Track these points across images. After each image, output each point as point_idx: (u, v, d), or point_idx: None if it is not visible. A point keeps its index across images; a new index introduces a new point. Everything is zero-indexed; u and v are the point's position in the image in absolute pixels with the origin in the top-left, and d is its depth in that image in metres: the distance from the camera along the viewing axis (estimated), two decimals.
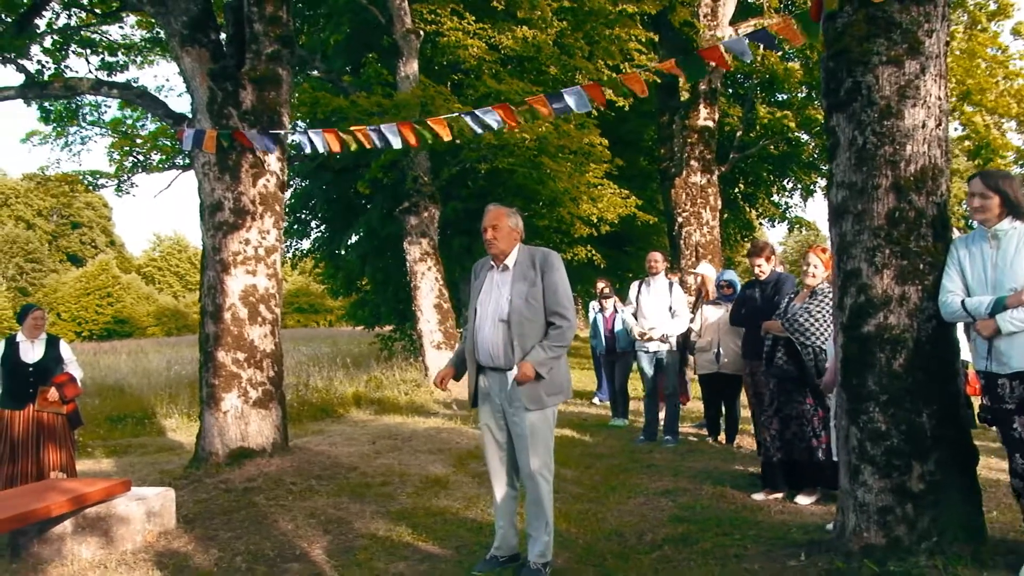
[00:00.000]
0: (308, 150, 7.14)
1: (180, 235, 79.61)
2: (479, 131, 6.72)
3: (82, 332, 55.94)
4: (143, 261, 76.12)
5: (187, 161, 15.46)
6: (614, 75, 12.01)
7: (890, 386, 3.97)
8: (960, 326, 4.17)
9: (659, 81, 15.67)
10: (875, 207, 4.03)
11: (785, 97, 19.88)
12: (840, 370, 4.23)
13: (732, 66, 7.52)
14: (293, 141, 7.75)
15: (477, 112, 6.75)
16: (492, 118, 6.59)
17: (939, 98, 4.06)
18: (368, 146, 6.87)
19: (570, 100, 6.16)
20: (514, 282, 4.41)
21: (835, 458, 5.39)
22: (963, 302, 3.83)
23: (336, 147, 6.99)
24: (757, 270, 6.82)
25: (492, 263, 4.58)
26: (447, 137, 6.77)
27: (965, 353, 4.24)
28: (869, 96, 4.05)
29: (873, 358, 4.01)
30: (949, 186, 4.14)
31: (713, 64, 5.83)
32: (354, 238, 20.11)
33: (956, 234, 4.25)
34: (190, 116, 7.74)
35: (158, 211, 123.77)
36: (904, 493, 3.92)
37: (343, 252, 20.75)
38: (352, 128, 6.95)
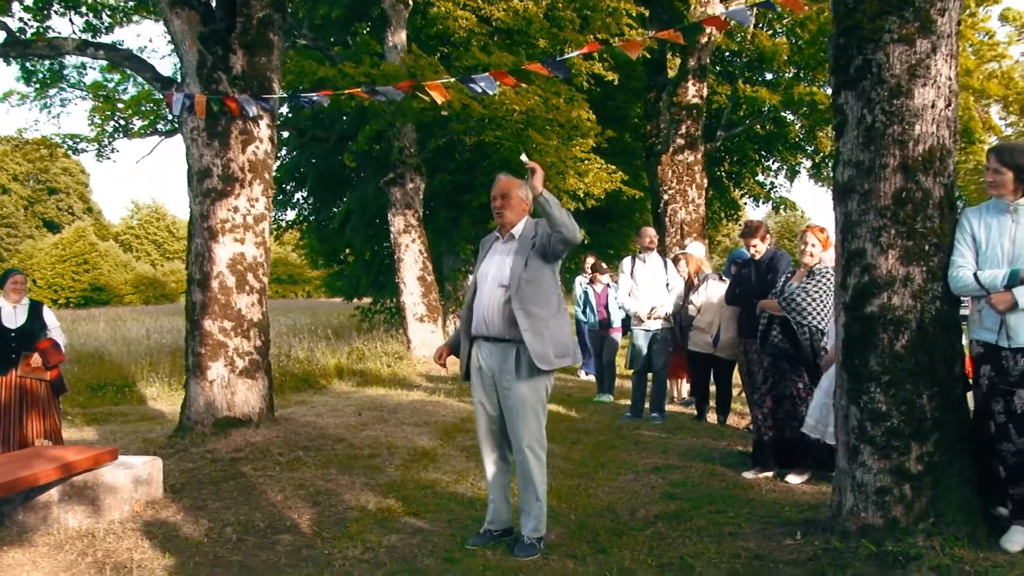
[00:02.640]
0: (307, 106, 7.05)
1: (159, 203, 78.75)
2: (479, 91, 6.62)
3: (58, 299, 55.23)
4: (121, 229, 75.16)
5: (169, 127, 15.24)
6: (613, 40, 11.87)
7: (892, 367, 3.95)
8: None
9: (648, 56, 15.66)
10: (882, 187, 4.00)
11: (772, 77, 19.83)
12: (840, 350, 4.22)
13: (729, 24, 7.45)
14: (281, 111, 7.64)
15: (475, 78, 6.66)
16: (488, 83, 6.51)
17: (949, 78, 4.01)
18: (365, 99, 6.77)
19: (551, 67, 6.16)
20: (518, 252, 4.36)
21: (828, 439, 5.42)
22: (976, 275, 3.82)
23: (327, 102, 6.91)
24: (752, 250, 6.80)
25: (498, 234, 4.53)
26: (443, 100, 6.68)
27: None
28: (879, 74, 4.00)
29: (875, 338, 3.99)
30: (955, 167, 4.12)
31: (711, 29, 5.81)
32: (343, 211, 19.92)
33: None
34: (178, 80, 7.57)
35: (136, 178, 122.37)
36: (902, 474, 3.91)
37: (329, 224, 20.57)
38: (348, 91, 6.85)
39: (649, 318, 8.39)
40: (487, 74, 6.74)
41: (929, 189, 3.97)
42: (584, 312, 10.58)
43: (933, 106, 3.97)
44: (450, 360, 4.74)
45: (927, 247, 3.96)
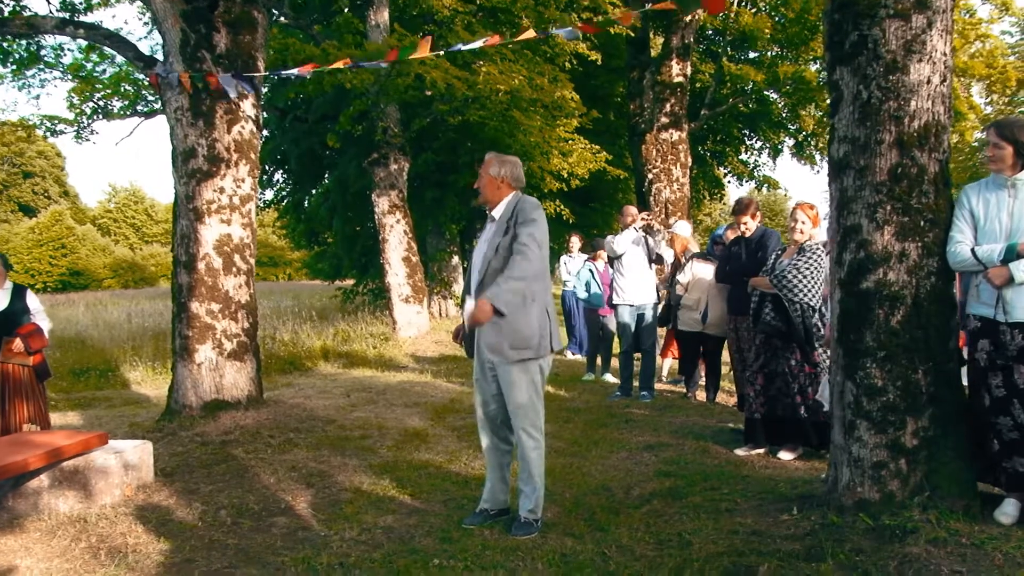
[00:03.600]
0: (293, 80, 7.01)
1: (136, 186, 77.81)
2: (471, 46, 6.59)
3: (36, 284, 54.55)
4: (98, 212, 74.30)
5: (148, 108, 15.05)
6: (599, 17, 11.79)
7: (887, 342, 3.96)
8: (957, 283, 4.18)
9: (631, 35, 15.59)
10: (877, 162, 3.99)
11: (755, 55, 19.80)
12: (836, 326, 4.23)
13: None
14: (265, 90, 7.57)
15: (461, 46, 6.63)
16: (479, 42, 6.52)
17: (944, 54, 4.01)
18: (346, 66, 6.72)
19: (560, 32, 6.12)
20: (492, 237, 4.36)
21: (821, 415, 5.45)
22: (973, 250, 3.83)
23: (309, 69, 6.88)
24: (743, 227, 6.80)
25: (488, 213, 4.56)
26: (426, 53, 6.63)
27: None
28: (875, 50, 3.99)
29: (871, 314, 4.00)
30: (950, 143, 4.12)
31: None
32: (322, 191, 19.83)
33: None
34: (161, 59, 7.45)
35: (113, 162, 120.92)
36: (898, 448, 3.93)
37: (309, 204, 20.45)
38: (334, 64, 6.78)
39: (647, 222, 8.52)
40: (480, 40, 6.72)
41: (924, 165, 3.97)
42: (587, 290, 10.33)
43: (928, 82, 3.97)
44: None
45: (922, 223, 3.96)
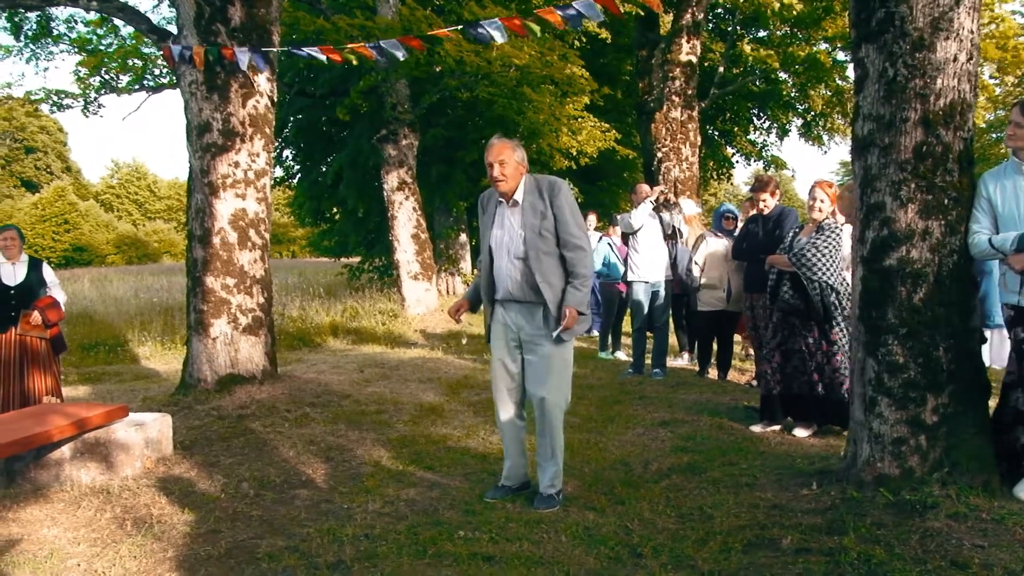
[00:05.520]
0: (306, 57, 6.98)
1: (139, 162, 77.69)
2: (487, 37, 6.52)
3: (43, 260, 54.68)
4: (101, 188, 74.22)
5: (155, 83, 14.99)
6: None
7: (909, 319, 3.98)
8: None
9: (641, 13, 15.49)
10: (902, 140, 3.99)
11: (766, 34, 19.67)
12: (857, 303, 4.24)
13: None
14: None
15: (483, 23, 6.57)
16: (496, 30, 6.44)
17: (971, 31, 3.99)
18: (370, 58, 6.69)
19: (581, 7, 6.05)
20: (525, 217, 4.32)
21: (840, 393, 5.48)
22: (990, 239, 3.84)
23: (337, 58, 6.84)
24: (762, 204, 6.81)
25: (500, 199, 4.45)
26: (453, 39, 6.62)
27: None
28: (902, 27, 3.97)
29: (894, 291, 4.01)
30: (975, 122, 4.12)
31: None
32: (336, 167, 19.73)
33: None
34: (175, 32, 7.42)
35: (116, 137, 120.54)
36: (919, 425, 3.96)
37: (317, 181, 20.38)
38: (351, 45, 6.75)
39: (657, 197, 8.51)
40: (496, 19, 6.66)
41: (949, 143, 3.96)
42: (604, 264, 10.31)
43: (955, 60, 3.96)
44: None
45: (946, 201, 3.97)
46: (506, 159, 4.30)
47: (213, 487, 4.84)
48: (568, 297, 4.24)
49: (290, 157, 21.21)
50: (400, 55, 6.80)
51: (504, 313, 4.44)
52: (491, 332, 4.55)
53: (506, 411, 4.54)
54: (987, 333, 4.67)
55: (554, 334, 4.26)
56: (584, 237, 4.36)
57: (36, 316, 6.72)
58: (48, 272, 7.02)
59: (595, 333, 11.33)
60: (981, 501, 3.74)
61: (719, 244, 8.02)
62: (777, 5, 15.76)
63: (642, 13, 14.01)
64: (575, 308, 4.21)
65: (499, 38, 6.49)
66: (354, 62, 6.80)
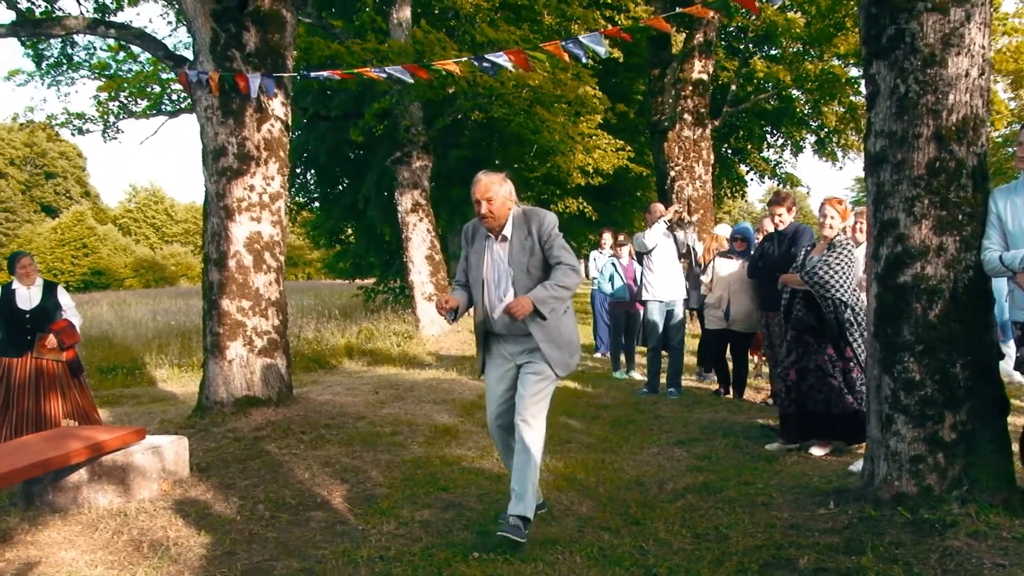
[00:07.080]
0: (319, 80, 7.09)
1: (156, 186, 78.42)
2: (490, 70, 6.58)
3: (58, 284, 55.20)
4: (119, 212, 74.97)
5: (173, 107, 15.16)
6: (627, 20, 11.78)
7: (925, 336, 3.96)
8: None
9: (653, 33, 15.56)
10: (915, 156, 3.99)
11: (778, 52, 19.68)
12: (872, 320, 4.22)
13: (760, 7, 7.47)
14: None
15: (489, 56, 6.62)
16: (503, 62, 6.50)
17: (983, 47, 3.99)
18: (378, 79, 6.77)
19: (588, 40, 6.10)
20: (513, 254, 4.26)
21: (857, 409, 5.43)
22: (1001, 256, 3.82)
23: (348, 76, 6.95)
24: (777, 219, 6.80)
25: (488, 233, 4.36)
26: (459, 72, 6.68)
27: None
28: (912, 44, 3.98)
29: (909, 308, 4.00)
30: (989, 137, 4.10)
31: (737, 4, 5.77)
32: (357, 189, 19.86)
33: None
34: (191, 58, 7.52)
35: (133, 162, 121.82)
36: (936, 442, 3.93)
37: (334, 204, 20.54)
38: (359, 70, 6.83)
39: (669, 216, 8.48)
40: (501, 53, 6.71)
41: (963, 159, 3.96)
42: (611, 283, 10.32)
43: (967, 75, 3.96)
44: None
45: (961, 216, 3.95)
46: (493, 196, 4.21)
47: (229, 509, 4.84)
48: (534, 291, 4.11)
49: (312, 181, 21.36)
50: (408, 79, 6.87)
51: (499, 346, 4.41)
52: (485, 365, 4.49)
53: (502, 440, 4.47)
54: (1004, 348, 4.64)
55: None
56: (574, 259, 4.25)
57: (52, 339, 6.78)
58: (63, 295, 7.09)
59: (606, 354, 11.32)
60: (1002, 519, 3.71)
61: (725, 264, 8.02)
62: (783, 23, 15.81)
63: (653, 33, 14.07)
64: (531, 301, 4.04)
65: (504, 65, 6.55)
66: (366, 77, 6.87)
